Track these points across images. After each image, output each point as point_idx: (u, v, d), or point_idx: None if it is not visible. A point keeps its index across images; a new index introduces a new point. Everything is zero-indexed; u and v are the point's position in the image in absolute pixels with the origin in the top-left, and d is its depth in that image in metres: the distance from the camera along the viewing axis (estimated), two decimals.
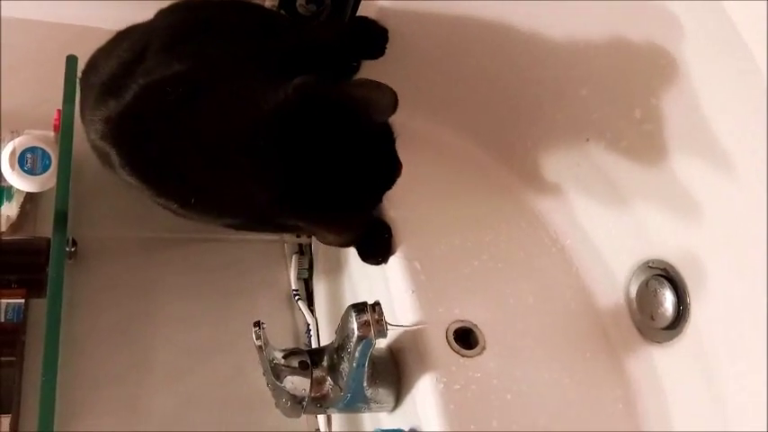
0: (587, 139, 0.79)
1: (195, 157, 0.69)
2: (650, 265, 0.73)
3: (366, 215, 0.75)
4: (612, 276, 0.78)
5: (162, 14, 0.87)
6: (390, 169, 0.70)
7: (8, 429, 0.82)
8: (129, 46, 0.81)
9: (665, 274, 0.71)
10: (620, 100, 0.74)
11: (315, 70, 0.83)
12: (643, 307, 0.74)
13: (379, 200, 0.73)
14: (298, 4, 1.07)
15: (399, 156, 0.70)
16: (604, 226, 0.80)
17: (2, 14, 1.06)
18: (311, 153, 0.64)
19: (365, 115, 0.65)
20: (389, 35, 0.87)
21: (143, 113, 0.71)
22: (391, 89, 0.65)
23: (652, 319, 0.72)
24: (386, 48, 0.87)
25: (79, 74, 0.91)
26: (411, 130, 0.92)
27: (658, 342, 0.72)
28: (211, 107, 0.69)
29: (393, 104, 0.66)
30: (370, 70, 0.90)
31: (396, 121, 0.90)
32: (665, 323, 0.71)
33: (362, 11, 0.90)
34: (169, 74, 0.72)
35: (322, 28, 0.98)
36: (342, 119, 0.65)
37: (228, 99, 0.69)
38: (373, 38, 0.88)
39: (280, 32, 0.88)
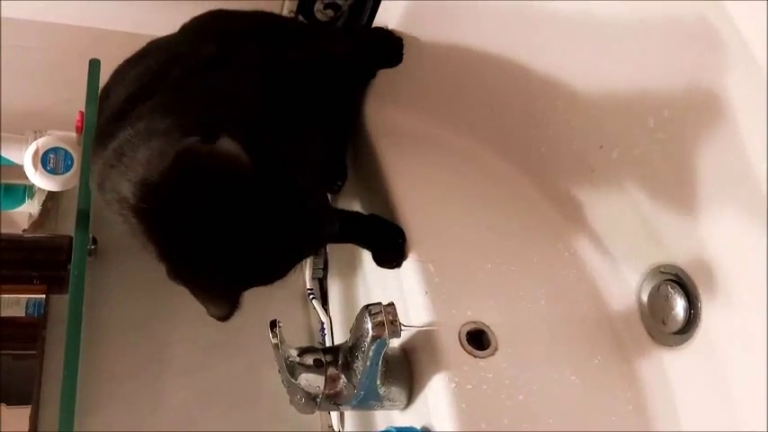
0: (601, 147, 0.80)
1: None
2: (662, 270, 0.74)
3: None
4: (624, 281, 0.79)
5: (185, 35, 0.87)
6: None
7: (28, 420, 0.84)
8: (140, 75, 0.78)
9: (677, 280, 0.72)
10: (634, 109, 0.74)
11: (332, 82, 0.85)
12: (654, 311, 0.74)
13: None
14: (315, 9, 1.09)
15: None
16: (617, 231, 0.81)
17: (27, 18, 1.09)
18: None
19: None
20: (409, 41, 0.88)
21: (108, 172, 0.67)
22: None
23: (663, 323, 0.73)
24: (402, 55, 0.89)
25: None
26: (421, 133, 0.94)
27: (669, 346, 0.72)
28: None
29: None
30: (389, 77, 0.91)
31: (403, 122, 0.91)
32: (676, 328, 0.71)
33: (379, 17, 0.92)
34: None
35: (337, 40, 0.99)
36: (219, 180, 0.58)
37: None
38: (389, 48, 0.89)
39: (297, 46, 0.88)
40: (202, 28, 0.87)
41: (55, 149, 0.97)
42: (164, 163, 0.59)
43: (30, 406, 0.85)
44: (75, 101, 0.99)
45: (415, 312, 0.74)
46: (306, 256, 0.69)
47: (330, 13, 1.09)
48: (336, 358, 0.71)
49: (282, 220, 0.60)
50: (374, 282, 0.89)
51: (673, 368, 0.72)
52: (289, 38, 0.90)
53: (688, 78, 0.67)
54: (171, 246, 0.61)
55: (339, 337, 0.96)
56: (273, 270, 0.65)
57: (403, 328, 0.66)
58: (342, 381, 0.71)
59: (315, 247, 0.79)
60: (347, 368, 0.70)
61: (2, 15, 1.05)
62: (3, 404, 0.84)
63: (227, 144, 0.57)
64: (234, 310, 0.64)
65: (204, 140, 0.58)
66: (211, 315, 0.65)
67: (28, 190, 1.03)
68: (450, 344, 0.70)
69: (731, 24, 0.59)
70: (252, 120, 0.69)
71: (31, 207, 1.03)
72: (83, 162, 0.93)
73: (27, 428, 0.83)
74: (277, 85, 0.76)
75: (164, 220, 0.60)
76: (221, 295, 0.64)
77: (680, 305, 0.71)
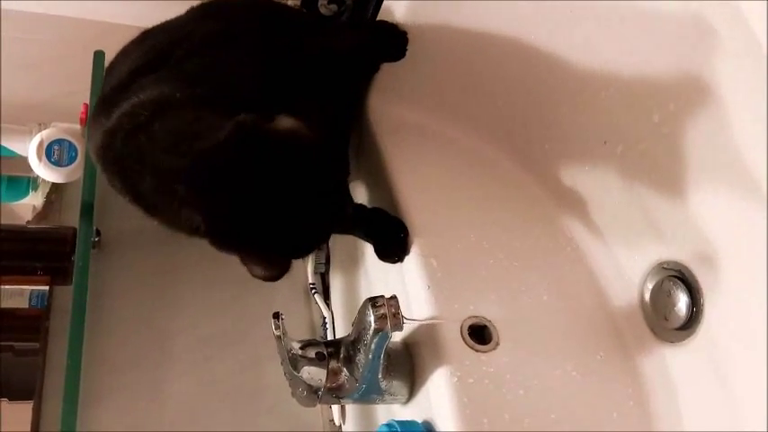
0: (605, 142, 0.80)
1: None
2: (665, 266, 0.74)
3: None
4: (627, 277, 0.78)
5: (189, 18, 0.88)
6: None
7: (30, 416, 0.84)
8: (145, 52, 0.80)
9: (680, 276, 0.72)
10: (639, 104, 0.74)
11: (335, 76, 0.85)
12: (657, 307, 0.74)
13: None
14: (320, 3, 1.09)
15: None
16: (620, 227, 0.81)
17: (33, 10, 1.09)
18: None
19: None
20: (413, 36, 0.88)
21: (117, 139, 0.70)
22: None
23: (665, 319, 0.73)
24: (406, 49, 0.89)
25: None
26: (425, 128, 0.94)
27: (671, 342, 0.72)
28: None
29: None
30: (392, 72, 0.91)
31: (406, 117, 0.91)
32: (679, 324, 0.71)
33: (383, 11, 0.92)
34: (147, 97, 0.70)
35: (341, 34, 0.99)
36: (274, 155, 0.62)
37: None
38: (393, 42, 0.89)
39: (301, 39, 0.88)
40: (209, 12, 0.88)
41: (59, 141, 0.97)
42: (219, 136, 0.61)
43: (31, 402, 0.85)
44: (79, 93, 0.99)
45: (417, 307, 0.74)
46: (333, 230, 0.74)
47: (334, 8, 1.08)
48: (338, 351, 0.71)
49: (328, 191, 0.65)
50: (376, 276, 0.89)
51: (675, 364, 0.72)
52: (292, 28, 0.90)
53: (692, 73, 0.67)
54: (227, 212, 0.63)
55: (341, 331, 0.96)
56: (314, 240, 0.71)
57: (405, 321, 0.66)
58: (344, 374, 0.71)
59: (340, 222, 0.81)
60: (349, 361, 0.70)
61: (6, 8, 1.05)
62: (4, 400, 0.84)
63: (287, 119, 0.61)
64: (285, 271, 0.68)
65: (262, 115, 0.62)
66: (258, 277, 0.68)
67: (32, 182, 1.04)
68: (452, 338, 0.70)
69: (730, 21, 0.59)
70: (263, 99, 0.72)
71: (35, 199, 1.04)
72: (87, 154, 0.93)
73: (28, 424, 0.83)
74: (278, 78, 0.76)
75: (222, 189, 0.62)
76: (276, 259, 0.67)
77: (682, 301, 0.71)
